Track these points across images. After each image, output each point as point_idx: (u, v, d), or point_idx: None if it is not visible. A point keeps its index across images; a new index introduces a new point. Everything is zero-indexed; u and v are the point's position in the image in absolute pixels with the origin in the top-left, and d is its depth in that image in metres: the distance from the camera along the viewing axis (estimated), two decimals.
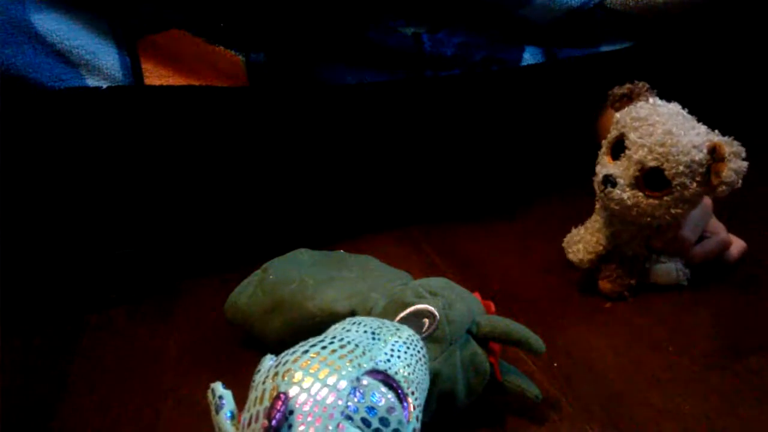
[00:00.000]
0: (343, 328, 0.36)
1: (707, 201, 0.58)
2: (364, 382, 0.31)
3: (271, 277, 0.52)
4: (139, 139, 0.60)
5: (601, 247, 0.57)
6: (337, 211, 0.73)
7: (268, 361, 0.34)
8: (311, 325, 0.47)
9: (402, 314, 0.43)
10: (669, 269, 0.57)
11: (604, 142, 0.55)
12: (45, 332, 0.59)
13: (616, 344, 0.51)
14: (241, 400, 0.33)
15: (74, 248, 0.61)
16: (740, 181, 0.49)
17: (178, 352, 0.55)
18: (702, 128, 0.51)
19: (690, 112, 0.53)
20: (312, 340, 0.34)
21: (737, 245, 0.59)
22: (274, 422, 0.28)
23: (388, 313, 0.44)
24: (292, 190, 0.70)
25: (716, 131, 0.51)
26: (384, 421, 0.30)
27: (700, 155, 0.50)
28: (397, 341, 0.35)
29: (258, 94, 0.62)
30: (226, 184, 0.66)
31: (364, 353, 0.33)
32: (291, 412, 0.29)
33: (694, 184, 0.50)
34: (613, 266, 0.57)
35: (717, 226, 0.59)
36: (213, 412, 0.33)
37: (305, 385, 0.30)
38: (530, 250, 0.67)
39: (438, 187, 0.77)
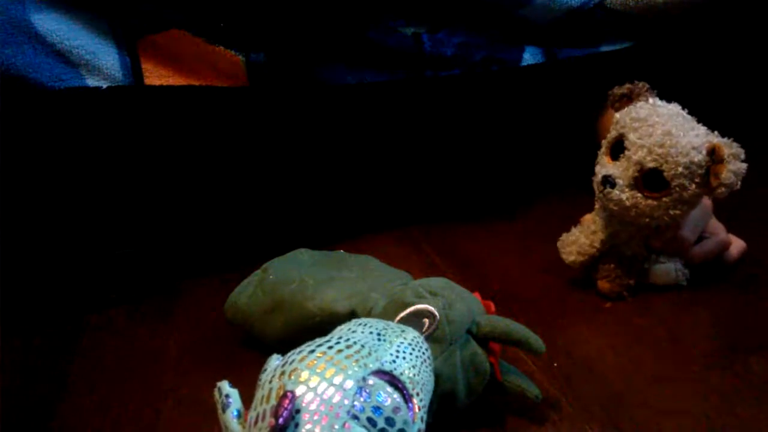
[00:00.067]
0: (349, 329, 0.36)
1: (707, 201, 0.58)
2: (370, 381, 0.31)
3: (271, 277, 0.52)
4: (139, 139, 0.60)
5: (594, 250, 0.57)
6: (337, 211, 0.73)
7: (275, 360, 0.34)
8: (311, 325, 0.47)
9: (402, 314, 0.43)
10: (668, 269, 0.57)
11: (604, 142, 0.55)
12: (45, 332, 0.59)
13: (616, 344, 0.51)
14: (243, 400, 0.33)
15: (74, 248, 0.61)
16: (739, 182, 0.49)
17: (178, 352, 0.55)
18: (701, 129, 0.51)
19: (690, 113, 0.53)
20: (318, 340, 0.34)
21: (737, 245, 0.59)
22: (281, 420, 0.28)
23: (388, 313, 0.44)
24: (292, 190, 0.70)
25: (716, 132, 0.51)
26: (390, 421, 0.30)
27: (699, 157, 0.50)
28: (402, 342, 0.35)
29: (258, 94, 0.62)
30: (226, 184, 0.66)
31: (370, 354, 0.33)
32: (298, 411, 0.29)
33: (693, 186, 0.50)
34: (612, 266, 0.57)
35: (716, 227, 0.59)
36: (219, 411, 0.33)
37: (312, 384, 0.30)
38: (530, 250, 0.67)
39: (438, 187, 0.77)
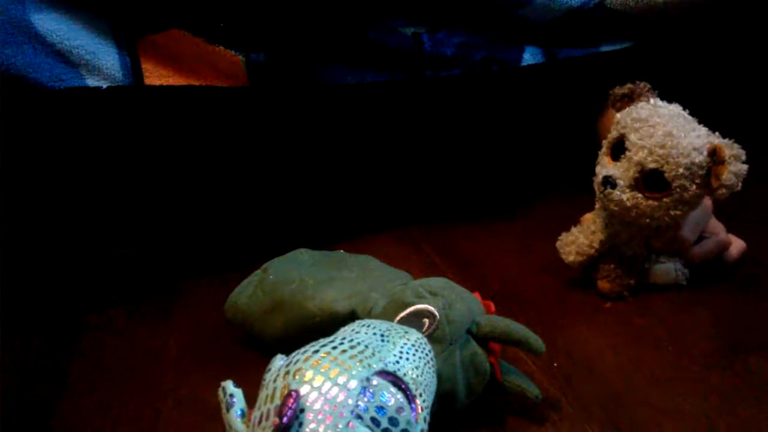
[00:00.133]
0: (353, 330, 0.36)
1: (707, 201, 0.58)
2: (374, 382, 0.31)
3: (271, 277, 0.52)
4: (139, 139, 0.60)
5: (593, 250, 0.57)
6: (337, 211, 0.73)
7: (279, 360, 0.34)
8: (311, 325, 0.47)
9: (402, 314, 0.43)
10: (668, 269, 0.57)
11: (605, 143, 0.55)
12: (45, 332, 0.59)
13: (616, 344, 0.51)
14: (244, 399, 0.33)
15: (74, 248, 0.61)
16: (740, 184, 0.49)
17: (178, 352, 0.55)
18: (703, 130, 0.51)
19: (690, 113, 0.53)
20: (322, 341, 0.34)
21: (737, 245, 0.59)
22: (285, 419, 0.28)
23: (388, 313, 0.44)
24: (292, 190, 0.70)
25: (717, 133, 0.51)
26: (393, 421, 0.31)
27: (700, 157, 0.50)
28: (405, 343, 0.35)
29: (258, 94, 0.62)
30: (226, 184, 0.66)
31: (373, 354, 0.33)
32: (302, 410, 0.29)
33: (694, 186, 0.50)
34: (612, 266, 0.57)
35: (716, 227, 0.59)
36: (224, 410, 0.33)
37: (316, 383, 0.30)
38: (530, 250, 0.67)
39: (438, 187, 0.77)
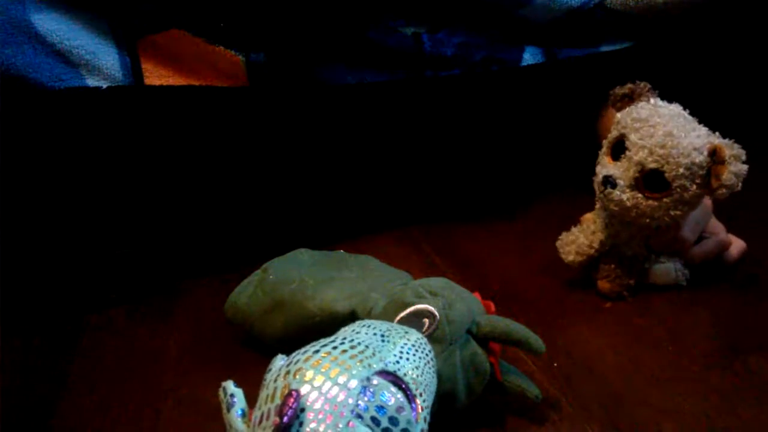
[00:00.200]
0: (353, 330, 0.36)
1: (707, 201, 0.58)
2: (375, 381, 0.32)
3: (271, 277, 0.52)
4: (139, 139, 0.60)
5: (593, 250, 0.57)
6: (337, 211, 0.73)
7: (279, 360, 0.34)
8: (311, 325, 0.47)
9: (402, 314, 0.43)
10: (668, 269, 0.57)
11: (605, 143, 0.55)
12: (45, 332, 0.59)
13: (616, 344, 0.51)
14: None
15: (74, 248, 0.61)
16: (740, 184, 0.49)
17: (178, 352, 0.55)
18: (703, 130, 0.51)
19: (690, 113, 0.53)
20: (323, 341, 0.34)
21: (737, 245, 0.59)
22: (285, 419, 0.28)
23: (388, 313, 0.44)
24: (292, 190, 0.70)
25: (717, 133, 0.51)
26: (393, 421, 0.31)
27: (700, 157, 0.50)
28: (406, 344, 0.35)
29: (258, 94, 0.62)
30: (225, 184, 0.66)
31: (373, 354, 0.33)
32: (302, 410, 0.29)
33: (694, 186, 0.50)
34: (612, 266, 0.57)
35: (717, 227, 0.59)
36: (224, 410, 0.33)
37: (316, 383, 0.30)
38: (530, 250, 0.67)
39: (438, 187, 0.77)
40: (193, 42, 0.58)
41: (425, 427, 0.33)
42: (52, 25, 0.54)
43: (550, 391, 0.46)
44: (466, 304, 0.44)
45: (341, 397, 0.30)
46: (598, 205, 0.58)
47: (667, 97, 0.55)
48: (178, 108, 0.60)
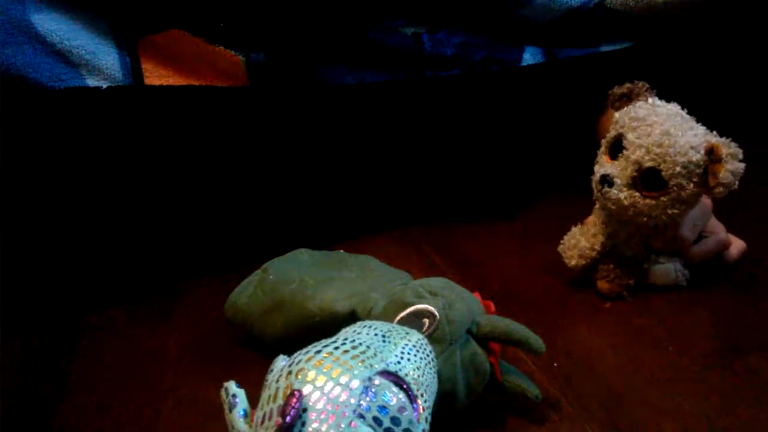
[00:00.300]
0: (354, 331, 0.36)
1: (707, 201, 0.58)
2: (376, 381, 0.32)
3: (271, 277, 0.52)
4: (139, 139, 0.60)
5: (595, 252, 0.57)
6: (337, 211, 0.73)
7: (281, 361, 0.35)
8: (311, 325, 0.47)
9: (402, 314, 0.43)
10: (668, 270, 0.57)
11: (603, 142, 0.55)
12: (45, 332, 0.59)
13: (616, 344, 0.51)
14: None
15: (74, 248, 0.61)
16: (737, 182, 0.49)
17: (178, 352, 0.55)
18: (700, 129, 0.51)
19: (690, 113, 0.53)
20: (324, 341, 0.34)
21: (737, 245, 0.59)
22: (288, 419, 0.28)
23: (388, 313, 0.44)
24: (292, 190, 0.70)
25: (714, 132, 0.51)
26: (395, 421, 0.31)
27: (697, 156, 0.50)
28: (407, 344, 0.35)
29: (258, 94, 0.62)
30: (225, 184, 0.66)
31: (375, 354, 0.33)
32: (305, 410, 0.30)
33: (691, 185, 0.50)
34: (611, 266, 0.57)
35: (716, 226, 0.59)
36: (226, 411, 0.33)
37: (319, 383, 0.30)
38: (530, 250, 0.67)
39: (438, 187, 0.77)
40: (193, 42, 0.58)
41: (427, 427, 0.33)
42: (52, 25, 0.54)
43: (550, 391, 0.46)
44: (466, 304, 0.44)
45: (343, 397, 0.30)
46: (597, 206, 0.58)
47: (667, 96, 0.55)
48: (178, 108, 0.60)
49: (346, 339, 0.34)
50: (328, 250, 0.57)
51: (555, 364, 0.49)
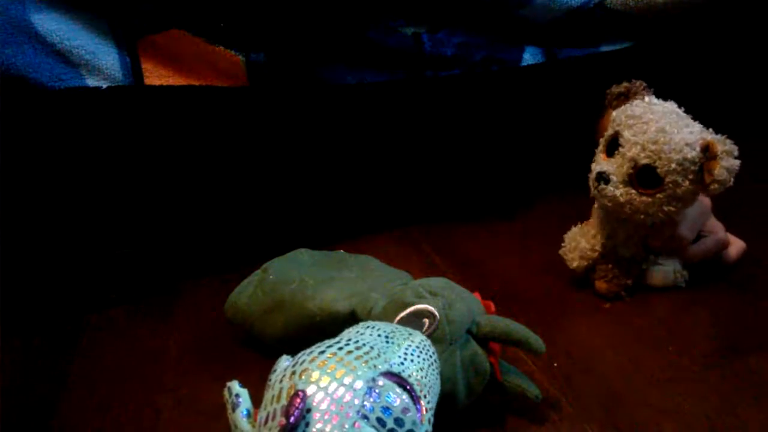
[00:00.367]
0: (357, 332, 0.36)
1: (706, 200, 0.58)
2: (380, 382, 0.32)
3: (271, 277, 0.52)
4: (139, 139, 0.60)
5: (596, 253, 0.57)
6: (337, 211, 0.73)
7: (284, 361, 0.35)
8: (311, 325, 0.47)
9: (402, 314, 0.43)
10: (666, 272, 0.57)
11: (601, 140, 0.56)
12: (45, 332, 0.59)
13: (616, 344, 0.51)
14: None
15: (74, 248, 0.61)
16: (732, 179, 0.49)
17: (178, 352, 0.55)
18: (696, 127, 0.51)
19: (689, 112, 0.53)
20: (328, 342, 0.34)
21: (737, 246, 0.59)
22: (292, 419, 0.28)
23: (388, 313, 0.44)
24: (292, 190, 0.70)
25: (710, 129, 0.51)
26: (399, 422, 0.31)
27: (692, 153, 0.50)
28: (410, 345, 0.35)
29: (258, 94, 0.62)
30: (225, 184, 0.66)
31: (378, 355, 0.33)
32: (308, 410, 0.30)
33: (687, 182, 0.50)
34: (609, 266, 0.57)
35: (715, 226, 0.59)
36: (229, 410, 0.33)
37: (322, 384, 0.31)
38: (530, 250, 0.67)
39: (438, 187, 0.77)
40: (193, 42, 0.58)
41: (429, 428, 0.33)
42: (52, 25, 0.54)
43: (550, 391, 0.46)
44: (466, 304, 0.44)
45: (347, 397, 0.30)
46: (596, 206, 0.58)
47: (666, 96, 0.55)
48: (178, 108, 0.60)
49: (349, 340, 0.34)
50: (328, 250, 0.57)
51: (555, 364, 0.49)
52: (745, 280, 0.58)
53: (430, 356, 0.36)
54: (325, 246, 0.58)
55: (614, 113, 0.55)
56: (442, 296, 0.44)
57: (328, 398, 0.30)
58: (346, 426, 0.29)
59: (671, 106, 0.53)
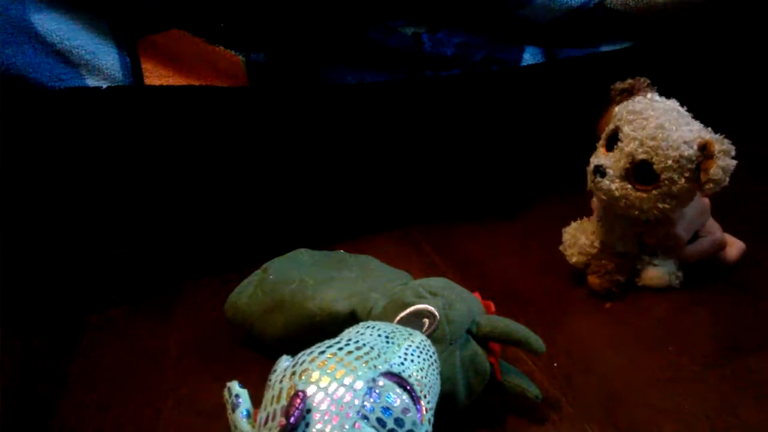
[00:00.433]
0: (357, 332, 0.36)
1: (705, 201, 0.58)
2: (380, 383, 0.32)
3: (271, 277, 0.52)
4: (139, 139, 0.60)
5: (595, 249, 0.58)
6: (337, 211, 0.73)
7: (284, 361, 0.35)
8: (311, 325, 0.47)
9: (402, 314, 0.43)
10: (661, 273, 0.57)
11: (602, 135, 0.56)
12: (45, 332, 0.59)
13: (616, 344, 0.51)
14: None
15: (74, 248, 0.61)
16: (727, 179, 0.50)
17: (178, 352, 0.55)
18: (696, 125, 0.52)
19: (689, 111, 0.53)
20: (328, 342, 0.34)
21: (737, 246, 0.59)
22: (292, 420, 0.28)
23: (388, 313, 0.44)
24: (292, 190, 0.70)
25: (709, 129, 0.51)
26: (399, 422, 0.31)
27: (689, 151, 0.50)
28: (410, 345, 0.35)
29: (258, 94, 0.62)
30: (225, 184, 0.66)
31: (379, 356, 0.33)
32: (308, 411, 0.30)
33: (683, 180, 0.50)
34: (603, 262, 0.57)
35: (713, 226, 0.59)
36: (229, 411, 0.33)
37: (323, 384, 0.31)
38: (530, 250, 0.67)
39: (438, 187, 0.77)
40: (193, 42, 0.58)
41: (430, 428, 0.33)
42: (52, 25, 0.54)
43: (550, 391, 0.46)
44: (466, 304, 0.44)
45: (347, 398, 0.30)
46: (595, 199, 0.58)
47: (667, 96, 0.55)
48: (178, 108, 0.60)
49: (349, 340, 0.34)
50: (328, 250, 0.57)
51: (555, 364, 0.49)
52: (744, 280, 0.58)
53: (430, 356, 0.36)
54: (325, 246, 0.58)
55: (616, 108, 0.55)
56: (442, 296, 0.44)
57: (328, 399, 0.30)
58: (346, 426, 0.29)
59: (673, 104, 0.53)
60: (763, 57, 0.84)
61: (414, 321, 0.42)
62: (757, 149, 0.52)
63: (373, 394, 0.31)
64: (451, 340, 0.42)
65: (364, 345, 0.34)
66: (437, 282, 0.46)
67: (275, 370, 0.34)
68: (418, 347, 0.36)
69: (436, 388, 0.36)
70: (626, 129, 0.52)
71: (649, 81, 0.56)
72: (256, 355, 0.52)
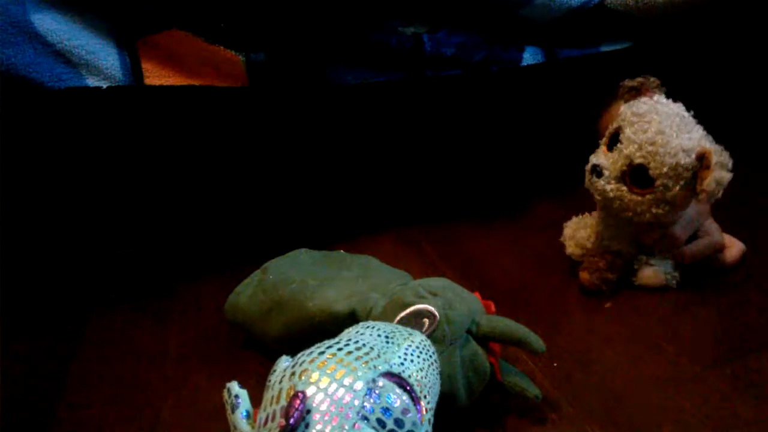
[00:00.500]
0: (357, 332, 0.36)
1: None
2: (380, 383, 0.32)
3: (271, 277, 0.52)
4: (139, 139, 0.60)
5: (590, 243, 0.58)
6: (337, 211, 0.73)
7: (284, 362, 0.34)
8: (311, 325, 0.47)
9: (402, 314, 0.43)
10: (657, 272, 0.57)
11: (606, 133, 0.56)
12: (45, 332, 0.59)
13: (616, 344, 0.51)
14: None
15: (75, 248, 0.61)
16: (721, 191, 0.50)
17: (177, 353, 0.55)
18: (697, 133, 0.51)
19: (689, 112, 0.53)
20: (327, 342, 0.34)
21: (736, 247, 0.59)
22: (291, 420, 0.28)
23: (387, 313, 0.44)
24: (292, 190, 0.70)
25: (710, 137, 0.51)
26: (399, 422, 0.31)
27: (687, 160, 0.50)
28: (410, 345, 0.35)
29: (258, 94, 0.62)
30: (225, 184, 0.66)
31: (378, 356, 0.33)
32: (308, 411, 0.30)
33: (677, 187, 0.51)
34: (595, 258, 0.57)
35: (711, 227, 0.59)
36: (229, 411, 0.33)
37: (322, 385, 0.31)
38: (530, 251, 0.67)
39: (438, 187, 0.77)
40: (193, 42, 0.58)
41: (430, 429, 0.33)
42: (52, 25, 0.54)
43: (550, 391, 0.46)
44: (466, 304, 0.44)
45: (347, 398, 0.30)
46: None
47: (667, 96, 0.55)
48: (178, 108, 0.60)
49: (349, 340, 0.34)
50: (328, 250, 0.57)
51: (555, 364, 0.49)
52: (745, 280, 0.58)
53: (430, 356, 0.36)
54: (325, 246, 0.58)
55: (622, 107, 0.55)
56: (442, 296, 0.44)
57: (328, 399, 0.30)
58: (346, 427, 0.29)
59: (677, 108, 0.53)
60: (763, 57, 0.84)
61: (414, 321, 0.42)
62: (755, 149, 0.52)
63: (373, 395, 0.31)
64: (451, 340, 0.42)
65: (364, 345, 0.34)
66: (437, 282, 0.46)
67: (275, 371, 0.34)
68: (418, 347, 0.36)
69: (436, 389, 0.36)
70: (627, 131, 0.52)
71: (659, 81, 0.55)
72: (256, 355, 0.52)
